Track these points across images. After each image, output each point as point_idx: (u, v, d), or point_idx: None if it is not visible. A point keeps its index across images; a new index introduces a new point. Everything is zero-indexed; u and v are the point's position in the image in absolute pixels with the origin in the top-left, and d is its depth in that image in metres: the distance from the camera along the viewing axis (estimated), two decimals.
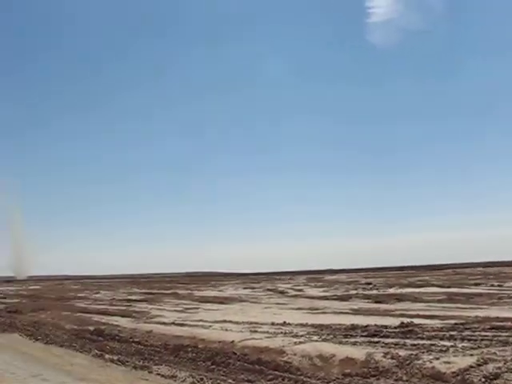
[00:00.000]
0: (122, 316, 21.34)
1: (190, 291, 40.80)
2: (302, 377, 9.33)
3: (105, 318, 20.55)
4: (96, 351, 13.06)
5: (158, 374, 10.20)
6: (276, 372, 9.75)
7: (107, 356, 12.37)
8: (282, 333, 14.21)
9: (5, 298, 42.74)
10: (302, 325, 15.46)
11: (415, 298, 24.08)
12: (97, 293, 44.32)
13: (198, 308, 24.41)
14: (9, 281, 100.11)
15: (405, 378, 8.62)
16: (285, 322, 16.39)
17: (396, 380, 8.60)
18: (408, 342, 11.08)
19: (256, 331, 14.80)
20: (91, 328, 17.02)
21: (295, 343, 12.16)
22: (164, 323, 17.98)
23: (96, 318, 21.07)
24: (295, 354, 10.89)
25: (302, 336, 13.14)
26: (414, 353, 9.76)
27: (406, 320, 14.04)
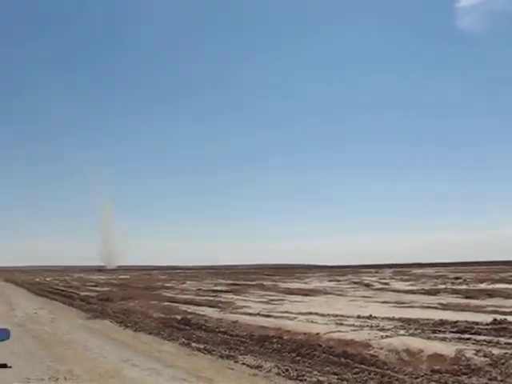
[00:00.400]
0: (209, 306, 21.73)
1: (274, 283, 41.04)
2: (388, 371, 9.12)
3: (191, 308, 21.00)
4: (183, 340, 13.36)
5: (244, 364, 10.29)
6: (362, 365, 9.60)
7: (194, 345, 12.63)
8: (368, 326, 13.99)
9: (96, 286, 44.69)
10: (388, 318, 15.16)
11: (508, 295, 23.02)
12: (183, 283, 45.45)
13: (283, 300, 24.47)
14: (100, 270, 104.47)
15: (499, 377, 8.19)
16: (371, 316, 16.13)
17: (490, 379, 8.20)
18: (502, 340, 10.59)
19: (342, 324, 14.65)
20: (178, 317, 17.43)
21: (382, 337, 11.93)
22: (250, 314, 18.15)
23: (183, 307, 21.57)
24: (382, 348, 10.68)
25: (388, 330, 12.88)
26: (510, 352, 9.30)
27: (499, 317, 13.44)
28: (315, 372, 9.33)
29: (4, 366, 4.25)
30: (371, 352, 10.49)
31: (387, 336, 11.94)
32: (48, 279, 69.06)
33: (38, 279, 70.21)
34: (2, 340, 4.38)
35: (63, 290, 38.02)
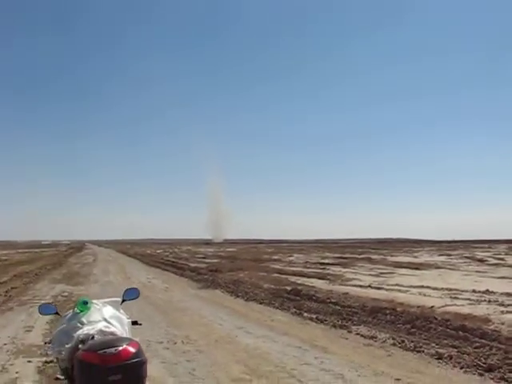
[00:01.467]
0: (318, 278, 21.77)
1: (383, 256, 40.37)
2: None
3: (300, 280, 21.13)
4: (294, 309, 13.44)
5: (358, 334, 10.19)
6: (482, 340, 9.17)
7: (306, 314, 12.67)
8: (485, 301, 13.45)
9: (205, 258, 46.04)
10: (507, 294, 14.48)
11: None
12: (290, 256, 45.77)
13: (393, 273, 24.04)
14: (207, 243, 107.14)
15: None
16: (487, 290, 15.50)
17: None
18: None
19: (456, 298, 14.18)
20: (288, 288, 17.57)
21: (502, 312, 11.42)
22: (360, 286, 18.00)
23: (292, 278, 21.75)
24: (503, 323, 10.20)
25: (509, 305, 12.31)
26: None
27: None
28: (433, 344, 9.05)
29: (135, 323, 4.41)
30: (492, 327, 10.04)
31: (508, 312, 11.41)
32: (158, 251, 72.12)
33: (148, 251, 73.47)
34: (132, 299, 4.55)
35: (174, 262, 39.51)
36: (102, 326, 3.84)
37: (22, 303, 15.49)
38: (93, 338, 3.67)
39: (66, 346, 3.72)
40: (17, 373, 7.66)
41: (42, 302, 15.95)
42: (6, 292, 18.20)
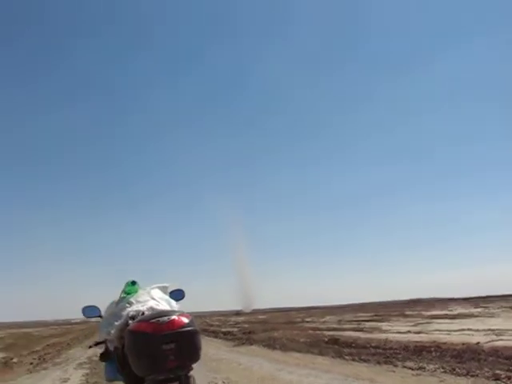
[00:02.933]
0: (354, 331, 21.24)
1: (417, 312, 39.41)
2: None
3: (337, 334, 20.61)
4: (334, 354, 13.02)
5: (405, 367, 9.79)
6: None
7: (347, 357, 12.25)
8: None
9: (236, 324, 45.27)
10: None
11: None
12: (323, 318, 44.87)
13: (430, 322, 23.40)
14: (237, 313, 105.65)
15: None
16: None
17: None
18: None
19: (502, 335, 13.70)
20: (325, 339, 17.12)
21: None
22: (399, 332, 17.50)
23: (328, 333, 21.21)
24: None
25: None
26: None
27: None
28: (486, 369, 8.65)
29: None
30: None
31: None
32: None
33: None
34: (178, 299, 4.40)
35: (205, 328, 38.86)
36: (151, 303, 3.73)
37: (57, 364, 15.29)
38: (143, 314, 3.56)
39: (116, 323, 3.61)
40: None
41: (78, 361, 15.74)
42: (40, 357, 18.00)
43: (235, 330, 31.95)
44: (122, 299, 3.88)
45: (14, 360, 16.11)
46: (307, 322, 37.87)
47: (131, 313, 3.60)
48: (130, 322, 3.48)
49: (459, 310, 40.16)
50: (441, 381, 8.12)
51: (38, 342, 29.52)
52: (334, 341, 16.07)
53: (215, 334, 28.06)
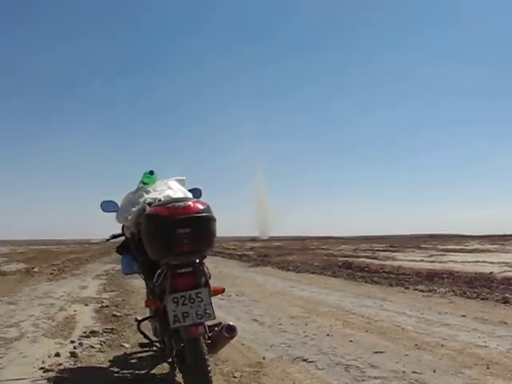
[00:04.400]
0: (368, 258, 21.44)
1: (432, 245, 39.54)
2: None
3: (350, 259, 20.87)
4: (346, 276, 13.21)
5: (416, 290, 9.90)
6: None
7: (359, 279, 12.43)
8: None
9: (252, 248, 45.98)
10: None
11: None
12: (338, 246, 45.35)
13: (444, 254, 23.48)
14: (253, 240, 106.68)
15: None
16: None
17: None
18: None
19: None
20: (339, 263, 17.37)
21: None
22: (412, 261, 17.65)
23: (342, 259, 21.50)
24: None
25: None
26: None
27: None
28: (496, 294, 8.74)
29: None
30: None
31: None
32: None
33: None
34: (197, 197, 4.38)
35: (220, 251, 39.52)
36: (168, 192, 3.76)
37: (75, 275, 15.71)
38: (160, 201, 3.60)
39: (133, 209, 3.66)
40: (75, 311, 7.81)
41: (96, 272, 16.15)
42: (59, 269, 18.50)
43: (251, 253, 32.48)
44: (139, 189, 3.91)
45: (36, 269, 16.59)
46: (322, 249, 38.31)
47: (148, 199, 3.63)
48: (147, 208, 3.52)
49: (475, 245, 40.22)
50: (450, 302, 8.21)
51: (58, 256, 30.27)
52: (348, 265, 16.30)
53: (231, 256, 28.57)
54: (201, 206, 3.28)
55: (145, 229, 3.31)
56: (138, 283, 10.94)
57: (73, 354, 4.88)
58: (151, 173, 3.90)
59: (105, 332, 6.09)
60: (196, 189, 4.47)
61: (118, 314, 7.40)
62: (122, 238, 4.38)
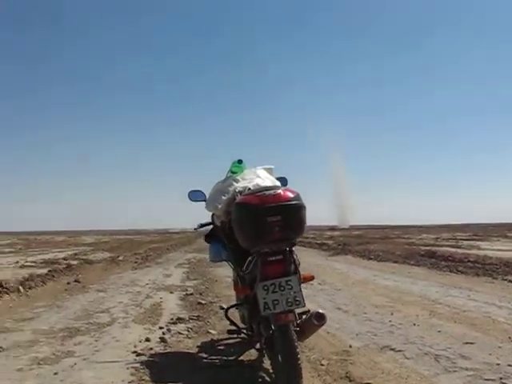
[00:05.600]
0: (451, 247, 20.86)
1: None
2: None
3: (433, 249, 20.38)
4: (430, 265, 12.91)
5: (505, 280, 9.56)
6: None
7: (444, 269, 12.12)
8: None
9: (331, 237, 45.75)
10: None
11: None
12: (419, 235, 44.38)
13: None
14: (332, 228, 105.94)
15: None
16: None
17: None
18: None
19: None
20: (422, 252, 16.99)
21: None
22: (499, 250, 17.02)
23: (424, 248, 21.03)
24: None
25: None
26: None
27: None
28: None
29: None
30: None
31: None
32: None
33: None
34: (284, 185, 4.40)
35: (300, 241, 39.35)
36: (257, 181, 3.82)
37: (158, 263, 16.20)
38: (249, 189, 3.66)
39: (223, 197, 3.74)
40: (161, 298, 8.07)
41: (177, 262, 16.60)
42: (142, 257, 19.11)
43: (330, 242, 32.36)
44: (228, 178, 4.00)
45: (120, 258, 17.22)
46: (403, 238, 37.61)
47: (238, 188, 3.72)
48: (238, 197, 3.59)
49: None
50: None
51: (140, 246, 31.28)
52: (431, 254, 15.92)
53: (310, 245, 28.49)
54: (291, 194, 3.31)
55: (235, 217, 3.38)
56: (221, 272, 11.19)
57: (162, 340, 5.06)
58: (239, 162, 3.98)
59: (191, 319, 6.26)
60: (282, 178, 4.51)
61: (203, 301, 7.58)
62: (210, 226, 4.49)
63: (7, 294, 7.95)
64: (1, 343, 5.00)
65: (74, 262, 15.24)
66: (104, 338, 5.22)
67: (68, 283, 10.01)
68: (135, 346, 4.80)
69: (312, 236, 53.61)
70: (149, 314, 6.65)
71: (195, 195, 4.58)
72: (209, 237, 4.42)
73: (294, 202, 3.28)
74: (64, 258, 17.57)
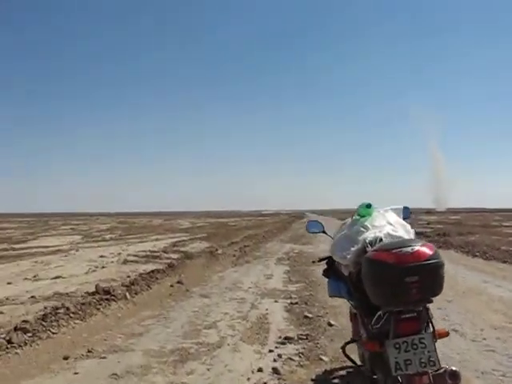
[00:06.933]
0: None
1: None
2: None
3: None
4: None
5: None
6: None
7: None
8: None
9: (429, 224, 44.30)
10: None
11: None
12: None
13: None
14: (428, 212, 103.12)
15: None
16: None
17: None
18: None
19: None
20: None
21: None
22: None
23: None
24: None
25: None
26: None
27: None
28: None
29: (420, 233, 4.07)
30: None
31: None
32: None
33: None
34: (405, 218, 4.13)
35: None
36: (389, 229, 3.52)
37: (257, 257, 16.19)
38: (381, 240, 3.38)
39: (352, 249, 3.48)
40: (266, 309, 7.94)
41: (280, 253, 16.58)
42: (240, 249, 19.23)
43: (428, 230, 31.34)
44: (355, 221, 3.73)
45: (219, 251, 17.39)
46: (505, 226, 35.86)
47: (368, 238, 3.41)
48: (368, 248, 3.34)
49: None
50: None
51: (236, 233, 31.64)
52: None
53: None
54: (429, 251, 3.03)
55: (368, 273, 3.15)
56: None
57: (275, 370, 4.91)
58: (368, 206, 3.70)
59: (300, 339, 6.09)
60: (405, 208, 4.25)
61: (310, 315, 7.39)
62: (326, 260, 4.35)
63: (115, 301, 8.14)
64: (115, 368, 5.06)
65: (175, 257, 15.59)
66: (216, 365, 5.13)
67: (171, 286, 10.16)
68: (248, 380, 4.70)
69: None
70: (256, 331, 6.56)
71: (313, 226, 4.51)
72: (327, 271, 4.24)
73: (432, 261, 3.01)
74: (164, 251, 18.05)
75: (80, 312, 7.14)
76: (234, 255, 16.71)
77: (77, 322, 6.80)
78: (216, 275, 12.00)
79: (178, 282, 10.46)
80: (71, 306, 7.24)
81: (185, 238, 26.50)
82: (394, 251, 3.02)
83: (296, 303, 8.36)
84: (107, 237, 30.59)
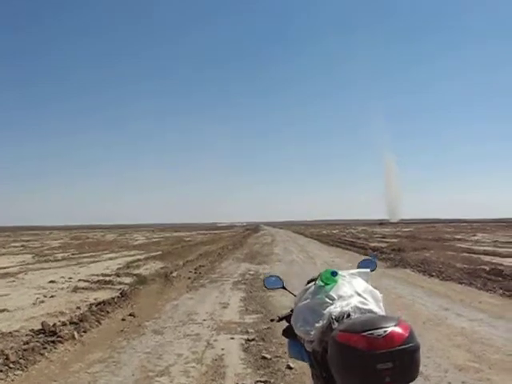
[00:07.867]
0: None
1: None
2: None
3: (495, 259, 19.51)
4: (502, 291, 12.05)
5: None
6: None
7: None
8: None
9: (383, 237, 44.72)
10: None
11: None
12: (474, 235, 43.00)
13: None
14: (381, 223, 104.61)
15: None
16: None
17: None
18: None
19: None
20: (486, 267, 16.14)
21: None
22: None
23: (485, 258, 20.15)
24: None
25: None
26: None
27: None
28: None
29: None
30: None
31: None
32: (334, 231, 71.88)
33: (324, 232, 73.18)
34: (372, 270, 3.80)
35: (352, 241, 38.62)
36: (356, 301, 3.11)
37: (213, 280, 15.78)
38: (349, 315, 3.00)
39: (316, 324, 3.08)
40: (222, 349, 7.53)
41: (233, 280, 16.22)
42: (196, 269, 18.82)
43: (383, 245, 31.56)
44: (319, 289, 3.31)
45: (174, 274, 16.94)
46: (458, 239, 36.42)
47: (334, 313, 2.99)
48: (334, 325, 2.95)
49: None
50: None
51: (191, 249, 31.28)
52: (498, 272, 14.99)
53: (364, 251, 27.62)
54: (404, 333, 2.65)
55: (335, 357, 2.76)
56: (279, 300, 10.79)
57: None
58: (333, 274, 3.30)
59: None
60: (370, 261, 3.94)
61: (268, 355, 7.01)
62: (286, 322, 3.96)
63: (61, 342, 7.60)
64: None
65: (127, 281, 15.09)
66: None
67: (123, 319, 9.67)
68: None
69: (363, 235, 52.70)
70: (211, 376, 6.17)
71: (271, 282, 4.13)
72: (286, 332, 3.84)
73: (407, 346, 2.64)
74: (117, 274, 17.50)
75: (21, 360, 6.55)
76: (189, 277, 16.30)
77: (17, 373, 6.21)
78: (170, 304, 11.54)
79: (130, 315, 9.99)
80: (11, 354, 6.64)
81: (139, 257, 25.99)
82: (364, 334, 2.64)
83: (253, 339, 7.98)
84: (59, 256, 29.68)
